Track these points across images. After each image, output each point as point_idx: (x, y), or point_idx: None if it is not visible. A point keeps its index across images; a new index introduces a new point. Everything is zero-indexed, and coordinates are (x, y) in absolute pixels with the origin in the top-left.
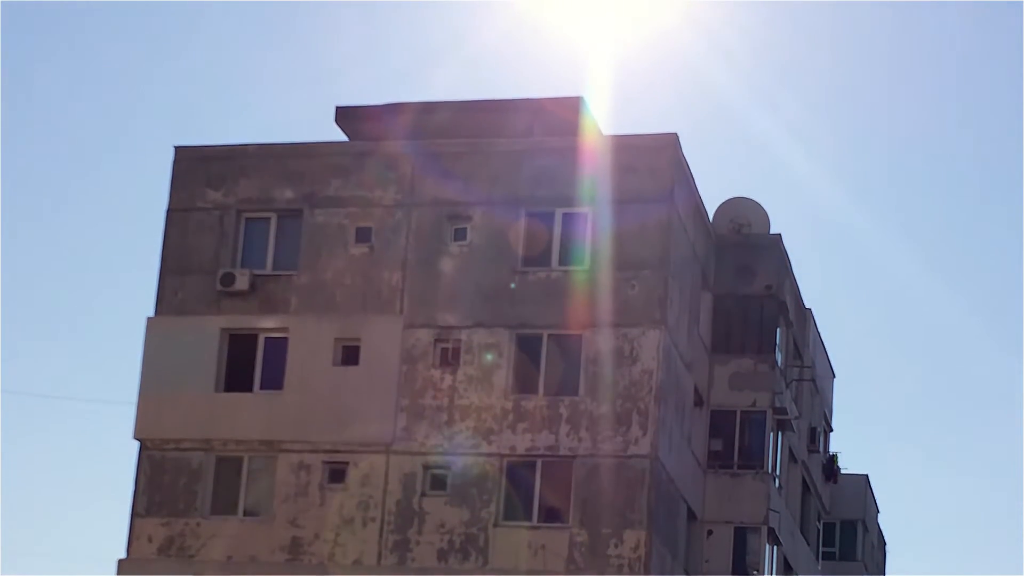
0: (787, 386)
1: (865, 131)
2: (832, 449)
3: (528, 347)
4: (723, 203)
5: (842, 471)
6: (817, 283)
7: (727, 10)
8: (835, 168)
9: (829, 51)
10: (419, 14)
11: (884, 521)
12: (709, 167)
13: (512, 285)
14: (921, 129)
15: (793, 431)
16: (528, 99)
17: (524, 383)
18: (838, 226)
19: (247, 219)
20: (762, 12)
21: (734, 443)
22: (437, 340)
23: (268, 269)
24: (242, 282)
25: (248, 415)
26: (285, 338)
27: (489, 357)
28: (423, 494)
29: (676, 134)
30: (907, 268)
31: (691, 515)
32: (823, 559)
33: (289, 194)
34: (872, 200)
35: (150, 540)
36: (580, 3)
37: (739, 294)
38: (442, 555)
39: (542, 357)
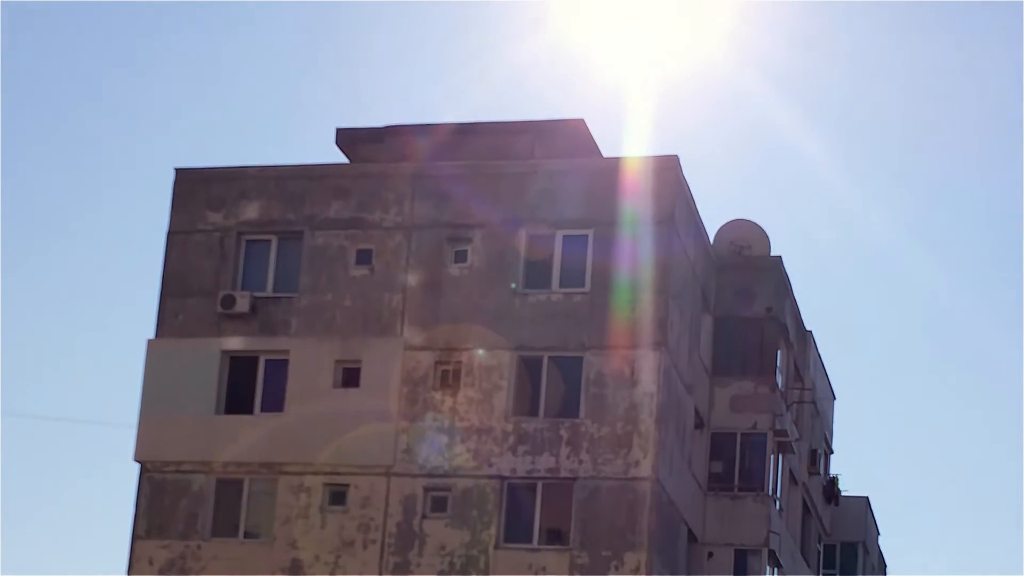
0: (788, 408)
1: (911, 156)
2: (832, 471)
3: (529, 369)
4: (723, 225)
5: (842, 493)
6: (819, 305)
7: (770, 38)
8: (878, 194)
9: (873, 79)
10: (450, 34)
11: (884, 543)
12: (748, 193)
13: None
14: (939, 145)
15: (794, 453)
16: (530, 121)
17: (525, 405)
18: (877, 247)
19: (248, 241)
20: (806, 40)
21: (735, 465)
22: (438, 362)
23: (269, 291)
24: (243, 304)
25: (249, 437)
26: (286, 360)
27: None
28: (424, 516)
29: (677, 156)
30: (910, 290)
31: (692, 537)
32: None
33: (290, 216)
34: (909, 225)
35: (151, 562)
36: (623, 32)
37: (739, 316)
38: None
39: (543, 379)
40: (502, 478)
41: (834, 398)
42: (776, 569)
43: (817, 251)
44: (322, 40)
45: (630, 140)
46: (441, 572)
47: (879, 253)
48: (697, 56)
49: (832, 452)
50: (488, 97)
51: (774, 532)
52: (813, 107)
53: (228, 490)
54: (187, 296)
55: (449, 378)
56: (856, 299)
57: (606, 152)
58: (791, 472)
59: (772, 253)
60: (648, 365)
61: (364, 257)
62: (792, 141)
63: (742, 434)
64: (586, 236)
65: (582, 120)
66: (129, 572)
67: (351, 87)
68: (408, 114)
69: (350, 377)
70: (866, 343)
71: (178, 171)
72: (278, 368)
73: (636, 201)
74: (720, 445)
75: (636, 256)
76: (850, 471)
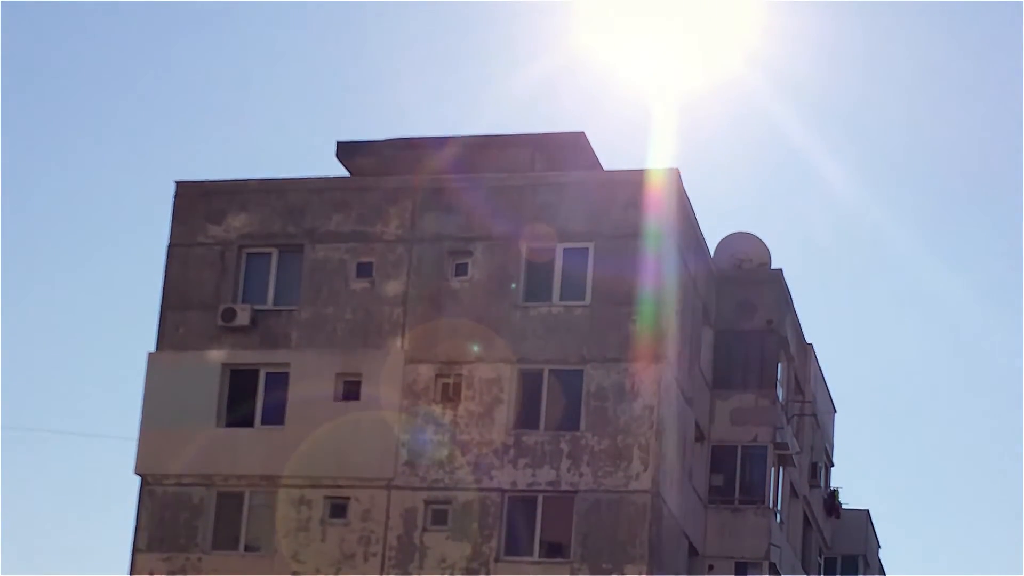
0: (788, 421)
1: (923, 171)
2: (833, 484)
3: (529, 382)
4: (724, 238)
5: (843, 506)
6: (820, 318)
7: (792, 54)
8: (887, 207)
9: (894, 95)
10: (473, 45)
11: (885, 556)
12: (760, 205)
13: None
14: (954, 162)
15: (794, 466)
16: (530, 134)
17: (525, 418)
18: (881, 260)
19: (248, 254)
20: (827, 55)
21: (735, 478)
22: (438, 375)
23: (269, 304)
24: (243, 317)
25: (249, 450)
26: (286, 373)
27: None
28: (424, 529)
29: (678, 169)
30: (911, 302)
31: (692, 550)
32: None
33: (290, 229)
34: (915, 239)
35: (151, 575)
36: (643, 46)
37: (740, 329)
38: None
39: (543, 392)
40: (503, 491)
41: (835, 411)
42: None
43: (821, 263)
44: (334, 52)
45: (651, 153)
46: None
47: (883, 266)
48: (717, 71)
49: (833, 465)
50: (508, 110)
51: (775, 545)
52: (830, 122)
53: (229, 503)
54: (188, 309)
55: (450, 391)
56: (857, 312)
57: (611, 165)
58: (792, 485)
59: (778, 266)
60: (649, 378)
61: (365, 270)
62: (807, 155)
63: (743, 447)
64: (587, 249)
65: (582, 133)
66: None
67: (371, 101)
68: (426, 128)
69: (351, 390)
70: (867, 356)
71: (178, 184)
72: (279, 381)
73: (637, 214)
74: (721, 458)
75: (637, 269)
76: (851, 484)
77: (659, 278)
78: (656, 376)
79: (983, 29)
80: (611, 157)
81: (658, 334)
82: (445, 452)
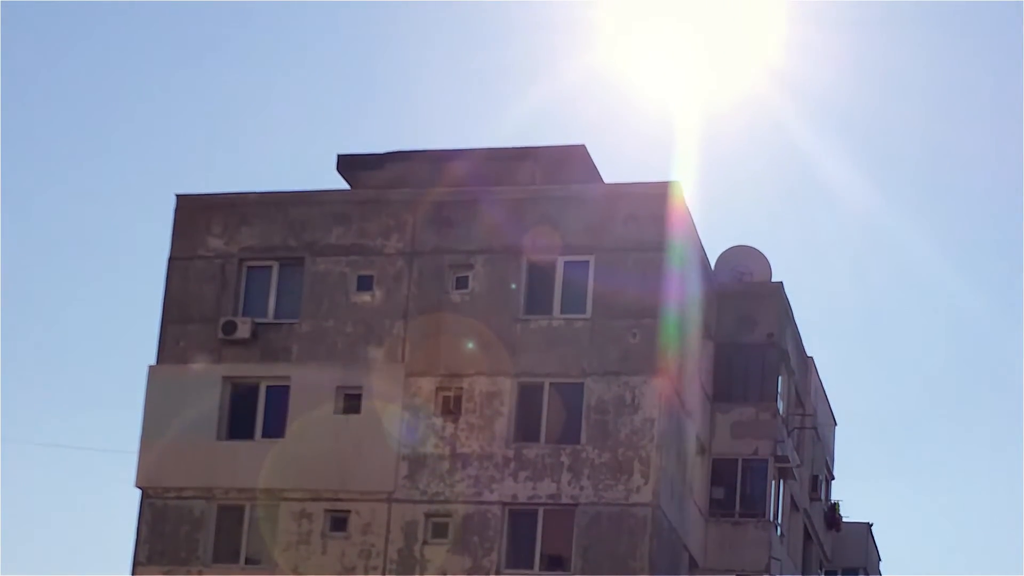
0: (789, 434)
1: (948, 187)
2: (834, 497)
3: (530, 395)
4: (725, 251)
5: (844, 519)
6: (821, 331)
7: (812, 69)
8: (922, 222)
9: (912, 108)
10: (495, 56)
11: (886, 569)
12: (783, 221)
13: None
14: (972, 178)
15: (795, 479)
16: (531, 147)
17: (526, 431)
18: (928, 279)
19: (249, 267)
20: (847, 70)
21: (736, 491)
22: (439, 388)
23: (270, 317)
24: (244, 330)
25: (250, 463)
26: (287, 386)
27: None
28: (425, 542)
29: (680, 183)
30: (914, 314)
31: (693, 563)
32: None
33: (291, 242)
34: (925, 253)
35: None
36: (663, 61)
37: (741, 342)
38: None
39: (544, 405)
40: (503, 504)
41: (835, 424)
42: None
43: (829, 276)
44: (343, 62)
45: (670, 168)
46: None
47: (887, 279)
48: (738, 86)
49: (833, 478)
50: (526, 125)
51: (775, 558)
52: (847, 137)
53: (229, 516)
54: (188, 322)
55: (450, 404)
56: (858, 324)
57: (630, 179)
58: (792, 498)
59: (790, 279)
60: (649, 391)
61: (365, 283)
62: (822, 169)
63: (743, 460)
64: (587, 262)
65: (583, 146)
66: None
67: (383, 116)
68: (438, 143)
69: (351, 403)
70: (868, 369)
71: (179, 197)
72: (279, 394)
73: (638, 227)
74: (721, 471)
75: (638, 282)
76: (851, 497)
77: (660, 291)
78: (657, 389)
79: (1010, 45)
80: (630, 172)
81: (659, 347)
82: (445, 465)
